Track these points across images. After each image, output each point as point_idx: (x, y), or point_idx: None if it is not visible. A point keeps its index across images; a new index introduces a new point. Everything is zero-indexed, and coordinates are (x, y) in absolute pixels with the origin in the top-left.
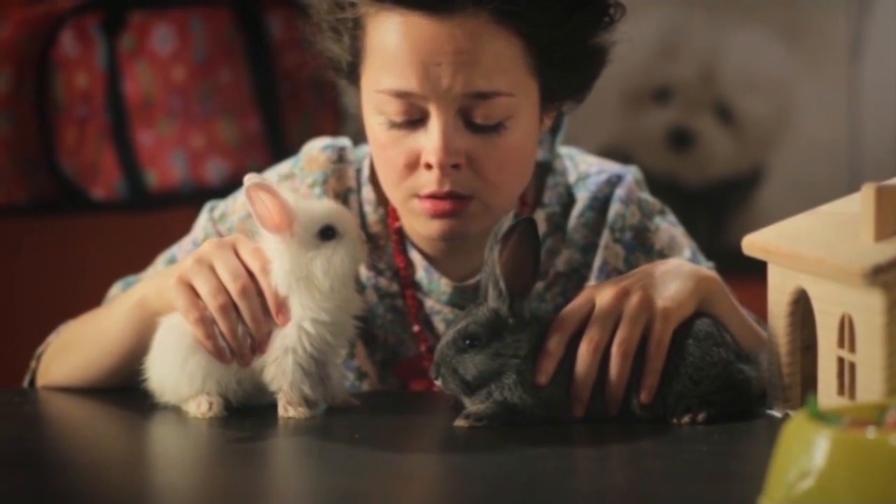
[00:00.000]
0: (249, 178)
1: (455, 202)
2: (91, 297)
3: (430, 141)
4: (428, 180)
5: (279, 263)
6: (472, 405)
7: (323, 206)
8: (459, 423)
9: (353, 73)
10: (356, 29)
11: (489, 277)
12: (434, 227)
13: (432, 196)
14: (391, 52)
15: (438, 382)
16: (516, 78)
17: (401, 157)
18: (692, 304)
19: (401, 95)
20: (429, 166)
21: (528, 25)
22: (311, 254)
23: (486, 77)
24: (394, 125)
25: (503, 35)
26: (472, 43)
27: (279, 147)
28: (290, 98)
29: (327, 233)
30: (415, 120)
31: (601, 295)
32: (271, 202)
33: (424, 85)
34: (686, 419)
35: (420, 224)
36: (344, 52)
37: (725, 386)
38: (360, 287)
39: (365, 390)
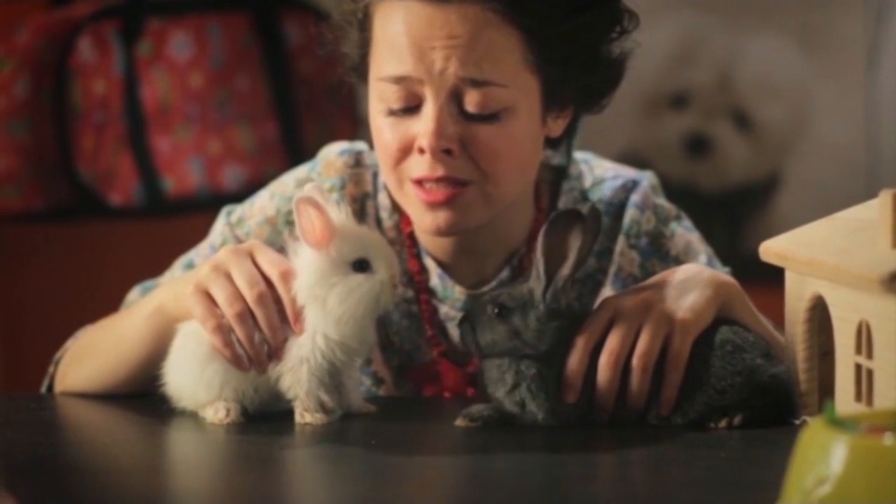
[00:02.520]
0: (306, 189)
1: (448, 190)
2: (108, 304)
3: (423, 125)
4: (420, 165)
5: (306, 274)
6: (474, 406)
7: (367, 238)
8: (458, 422)
9: (362, 66)
10: (365, 21)
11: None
12: (429, 219)
13: (422, 181)
14: (391, 39)
15: (458, 335)
16: (512, 70)
17: (395, 142)
18: (711, 313)
19: (398, 81)
20: (422, 151)
21: (527, 18)
22: (336, 279)
23: (479, 64)
24: (392, 112)
25: (501, 25)
26: (467, 29)
27: (296, 153)
28: (307, 104)
29: (361, 265)
30: (412, 107)
31: (621, 307)
32: (318, 219)
33: (419, 67)
34: (723, 423)
35: (417, 215)
36: (355, 45)
37: (756, 390)
38: (385, 331)
39: (381, 396)
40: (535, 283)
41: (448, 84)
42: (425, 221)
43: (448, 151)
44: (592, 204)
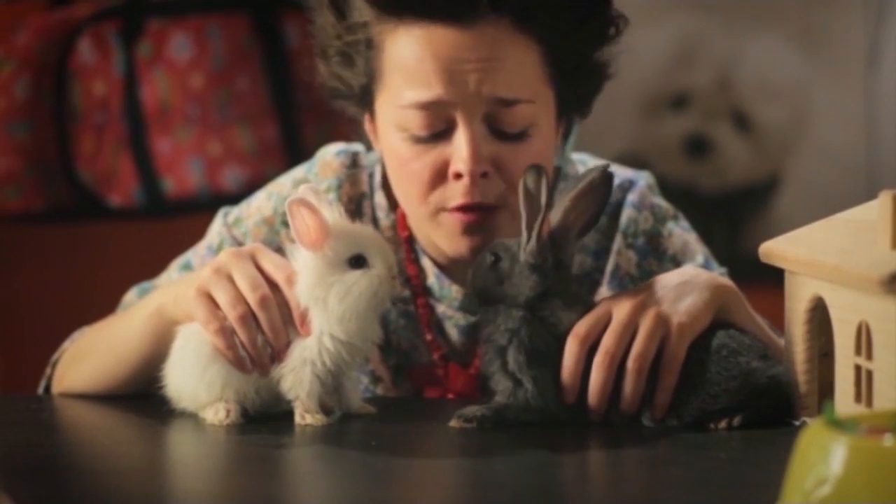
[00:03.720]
0: (299, 191)
1: (484, 213)
2: (108, 305)
3: (458, 150)
4: (457, 191)
5: (305, 276)
6: (471, 406)
7: (361, 234)
8: (452, 423)
9: (366, 96)
10: (369, 49)
11: None
12: (464, 244)
13: (462, 208)
14: (413, 65)
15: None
16: (536, 85)
17: (426, 170)
18: (708, 317)
19: (426, 107)
20: (458, 176)
21: (545, 33)
22: (334, 278)
23: (509, 83)
24: (418, 140)
25: (523, 42)
26: (495, 50)
27: (296, 154)
28: (307, 105)
29: (358, 261)
30: (439, 132)
31: (618, 308)
32: (311, 219)
33: (450, 91)
34: (723, 424)
35: (449, 241)
36: (357, 75)
37: (754, 393)
38: (387, 321)
39: (379, 395)
40: (525, 236)
41: (481, 106)
42: (460, 246)
43: (484, 174)
44: (605, 168)
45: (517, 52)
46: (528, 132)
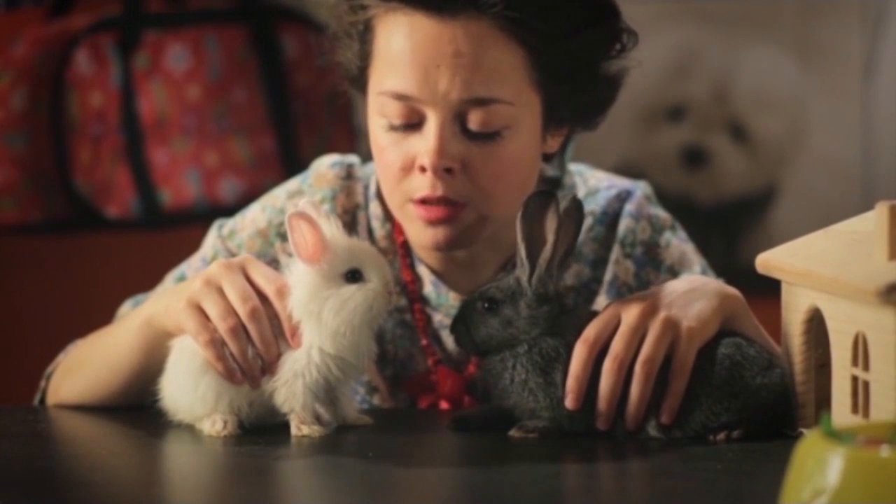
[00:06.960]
0: (295, 207)
1: (448, 208)
2: (105, 316)
3: (424, 144)
4: (421, 184)
5: (299, 289)
6: (528, 422)
7: (357, 248)
8: (513, 433)
9: (361, 77)
10: (366, 33)
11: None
12: (428, 236)
13: (425, 201)
14: (395, 54)
15: (453, 342)
16: (517, 88)
17: (398, 160)
18: (716, 324)
19: (400, 98)
20: (423, 169)
21: (531, 35)
22: (329, 292)
23: (485, 83)
24: (393, 128)
25: (506, 42)
26: (473, 46)
27: (293, 165)
28: (304, 116)
29: (354, 275)
30: (413, 123)
31: (627, 311)
32: (310, 233)
33: (423, 88)
34: (721, 437)
35: (416, 232)
36: (354, 56)
37: (757, 409)
38: (379, 341)
39: (376, 405)
40: (521, 270)
41: (451, 105)
42: (425, 238)
43: (449, 170)
44: (573, 195)
45: (498, 51)
46: (502, 134)
